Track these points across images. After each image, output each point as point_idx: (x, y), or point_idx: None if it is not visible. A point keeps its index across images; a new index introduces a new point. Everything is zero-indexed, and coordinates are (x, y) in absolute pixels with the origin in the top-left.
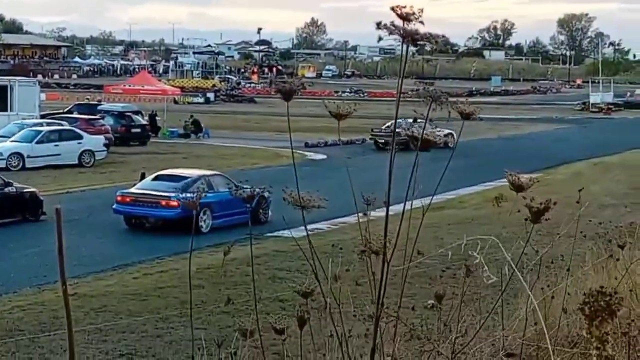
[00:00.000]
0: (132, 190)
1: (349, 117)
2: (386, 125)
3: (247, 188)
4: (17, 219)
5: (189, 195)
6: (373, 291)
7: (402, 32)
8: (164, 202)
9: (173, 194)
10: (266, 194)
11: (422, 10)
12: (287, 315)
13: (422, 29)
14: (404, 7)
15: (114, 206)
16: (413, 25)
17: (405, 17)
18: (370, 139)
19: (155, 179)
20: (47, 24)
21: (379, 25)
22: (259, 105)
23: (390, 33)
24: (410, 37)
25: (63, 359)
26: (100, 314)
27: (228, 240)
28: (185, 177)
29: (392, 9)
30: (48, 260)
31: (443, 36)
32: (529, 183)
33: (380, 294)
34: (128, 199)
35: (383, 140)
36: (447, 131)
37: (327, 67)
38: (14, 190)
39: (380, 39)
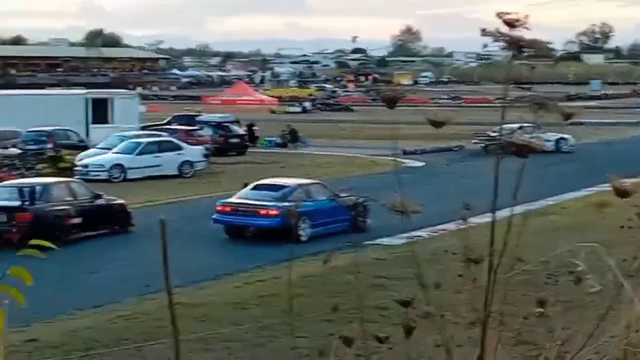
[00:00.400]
0: (232, 200)
1: (446, 124)
2: (494, 130)
3: (346, 196)
4: (106, 231)
5: (288, 204)
6: (474, 298)
7: (508, 39)
8: (263, 212)
9: (272, 204)
10: (365, 202)
11: (527, 17)
12: (389, 323)
13: (527, 35)
14: (509, 13)
15: (214, 216)
16: (518, 32)
17: (511, 24)
18: (475, 143)
19: (255, 188)
20: (144, 37)
21: (484, 32)
22: (356, 113)
23: (496, 40)
24: (516, 44)
25: None
26: (202, 323)
27: (327, 249)
28: (284, 186)
29: (498, 15)
30: (147, 270)
31: (548, 42)
32: (634, 189)
33: (487, 300)
34: (228, 209)
35: (490, 145)
36: (558, 136)
37: (423, 74)
38: (104, 202)
39: (485, 45)
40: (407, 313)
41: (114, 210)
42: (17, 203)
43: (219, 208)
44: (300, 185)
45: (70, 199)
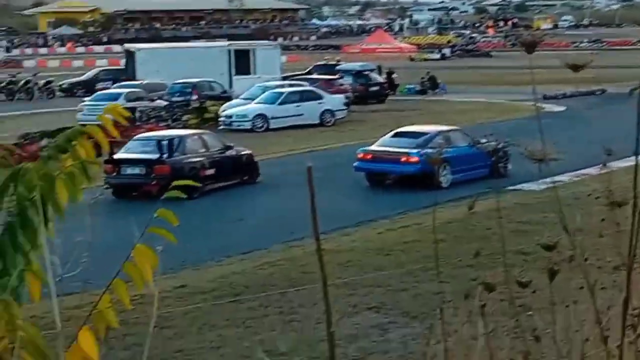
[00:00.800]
0: (373, 147)
1: (588, 68)
2: None
3: (487, 142)
4: (236, 181)
5: (428, 151)
6: (618, 242)
7: None
8: (404, 158)
9: (413, 150)
10: (505, 148)
11: None
12: (531, 268)
13: None
14: None
15: (355, 164)
16: None
17: None
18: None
19: (395, 135)
20: None
21: None
22: (495, 59)
23: None
24: None
25: (312, 312)
26: (347, 268)
27: (468, 195)
28: (424, 133)
29: None
30: (289, 217)
31: None
32: None
33: (632, 244)
34: (369, 156)
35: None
36: None
37: (563, 17)
38: (234, 153)
39: None
40: (551, 257)
41: (243, 161)
42: (155, 156)
43: (360, 156)
44: (440, 131)
45: (204, 150)
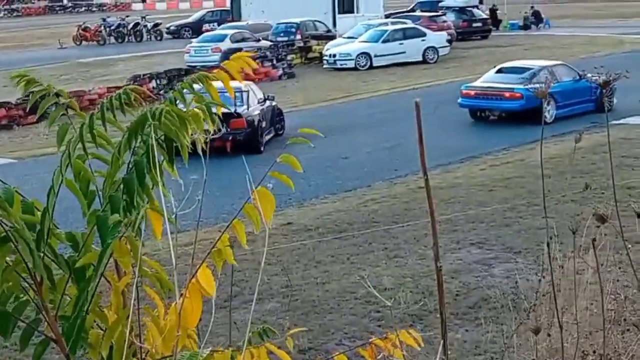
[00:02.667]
0: (477, 83)
1: None
2: None
3: (592, 76)
4: (272, 135)
5: (533, 86)
6: None
7: None
8: (508, 94)
9: (517, 86)
10: (611, 81)
11: None
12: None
13: None
14: None
15: (459, 100)
16: None
17: None
18: None
19: (499, 71)
20: None
21: None
22: None
23: None
24: None
25: (416, 248)
26: (450, 205)
27: (572, 130)
28: (528, 68)
29: None
30: (395, 155)
31: None
32: None
33: None
34: (473, 93)
35: None
36: None
37: None
38: (274, 104)
39: None
40: None
41: (277, 112)
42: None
43: (464, 92)
44: (545, 66)
45: (257, 102)
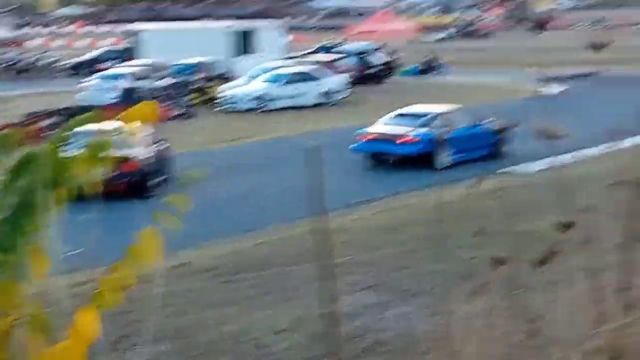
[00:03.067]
0: (374, 128)
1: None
2: None
3: (488, 122)
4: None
5: (429, 131)
6: (621, 222)
7: None
8: (405, 139)
9: (414, 131)
10: (507, 128)
11: None
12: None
13: None
14: None
15: (355, 144)
16: None
17: None
18: None
19: (396, 116)
20: None
21: None
22: (496, 40)
23: None
24: None
25: (311, 290)
26: (346, 247)
27: (469, 175)
28: (426, 114)
29: None
30: (290, 198)
31: None
32: None
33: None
34: (370, 137)
35: None
36: None
37: None
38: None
39: None
40: (554, 238)
41: (170, 154)
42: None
43: (360, 136)
44: (442, 112)
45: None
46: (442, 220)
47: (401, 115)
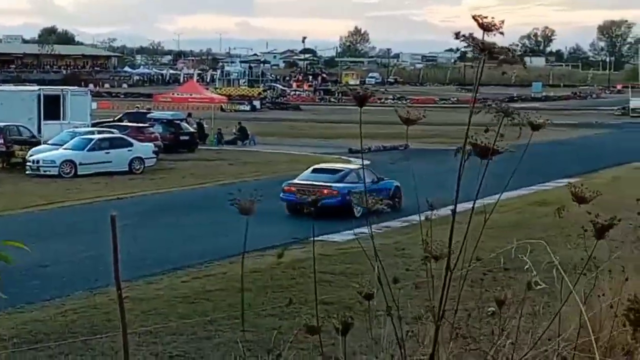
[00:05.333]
0: (297, 181)
1: (392, 124)
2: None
3: (387, 179)
4: None
5: (345, 185)
6: (424, 294)
7: (481, 44)
8: (325, 191)
9: (334, 184)
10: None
11: (502, 22)
12: (331, 317)
13: (498, 41)
14: (486, 17)
15: (281, 194)
16: (493, 36)
17: (487, 28)
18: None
19: (314, 171)
20: (97, 35)
21: (457, 35)
22: (304, 112)
23: (469, 45)
24: (488, 50)
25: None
26: (151, 316)
27: (275, 245)
28: (340, 170)
29: (474, 18)
30: (95, 266)
31: (516, 50)
32: (591, 196)
33: (443, 297)
34: (293, 189)
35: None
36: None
37: (370, 74)
38: None
39: (457, 49)
40: (346, 311)
41: None
42: None
43: (285, 188)
44: (352, 169)
45: None
46: (249, 289)
47: (318, 170)
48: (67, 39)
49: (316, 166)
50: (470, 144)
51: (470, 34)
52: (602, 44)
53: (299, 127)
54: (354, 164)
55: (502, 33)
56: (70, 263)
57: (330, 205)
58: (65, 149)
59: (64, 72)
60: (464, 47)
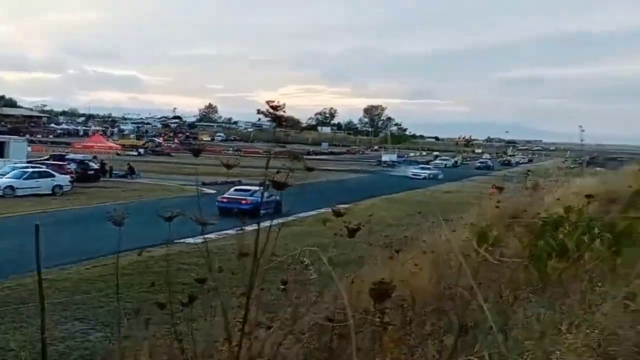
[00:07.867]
0: (227, 195)
1: (235, 167)
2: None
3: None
4: None
5: (254, 198)
6: (244, 279)
7: (273, 116)
8: (243, 201)
9: (248, 197)
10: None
11: (284, 105)
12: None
13: (285, 115)
14: (274, 101)
15: (217, 203)
16: (282, 112)
17: (275, 107)
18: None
19: (235, 190)
20: (33, 102)
21: (259, 111)
22: (174, 157)
23: (266, 116)
24: (278, 119)
25: (35, 321)
26: (62, 292)
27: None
28: (249, 189)
29: (267, 102)
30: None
31: (297, 120)
32: (344, 212)
33: (252, 281)
34: (225, 200)
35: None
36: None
37: (218, 134)
38: None
39: (259, 119)
40: (197, 287)
41: None
42: None
43: (219, 199)
44: (257, 188)
45: None
46: (130, 274)
47: (238, 189)
48: (12, 103)
49: (236, 187)
50: (269, 180)
51: (265, 110)
52: (366, 119)
53: (170, 167)
54: (256, 187)
55: (284, 111)
56: (8, 252)
57: (245, 209)
58: (7, 177)
59: (9, 126)
60: (264, 117)
